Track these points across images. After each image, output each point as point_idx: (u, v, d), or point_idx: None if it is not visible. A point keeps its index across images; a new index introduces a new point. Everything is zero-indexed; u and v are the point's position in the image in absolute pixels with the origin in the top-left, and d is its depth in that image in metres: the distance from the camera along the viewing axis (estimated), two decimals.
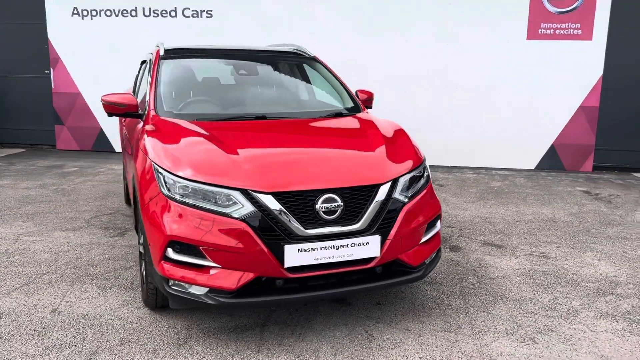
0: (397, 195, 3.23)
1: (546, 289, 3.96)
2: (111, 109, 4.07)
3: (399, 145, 3.61)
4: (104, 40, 9.28)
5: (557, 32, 8.38)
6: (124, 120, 4.84)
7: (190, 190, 3.02)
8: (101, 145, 9.79)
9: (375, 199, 3.15)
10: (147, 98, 4.09)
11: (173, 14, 9.06)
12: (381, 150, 3.46)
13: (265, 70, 4.81)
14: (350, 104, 4.42)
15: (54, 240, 4.89)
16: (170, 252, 3.01)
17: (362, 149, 3.54)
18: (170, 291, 3.04)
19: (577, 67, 8.39)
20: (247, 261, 2.93)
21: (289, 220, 2.95)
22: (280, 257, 2.94)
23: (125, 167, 5.26)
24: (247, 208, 2.93)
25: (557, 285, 4.04)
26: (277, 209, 2.94)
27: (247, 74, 4.74)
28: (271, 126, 3.86)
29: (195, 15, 9.01)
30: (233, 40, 8.80)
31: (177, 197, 3.03)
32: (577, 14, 8.29)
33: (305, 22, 8.76)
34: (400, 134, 3.82)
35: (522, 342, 3.21)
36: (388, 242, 3.14)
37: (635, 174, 8.57)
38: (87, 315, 3.48)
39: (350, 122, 4.05)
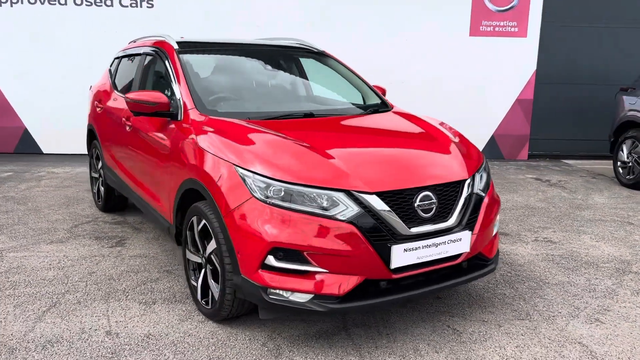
0: (477, 190, 3.29)
1: (574, 272, 4.23)
2: (140, 108, 3.72)
3: (461, 142, 3.67)
4: (27, 31, 8.40)
5: (497, 29, 8.90)
6: (129, 119, 4.43)
7: (288, 193, 2.85)
8: (26, 147, 8.88)
9: (462, 195, 3.19)
10: (178, 96, 3.77)
11: (109, 2, 8.41)
12: (454, 147, 3.50)
13: (286, 65, 4.64)
14: (376, 100, 4.40)
15: (47, 255, 4.39)
16: (272, 260, 2.83)
17: (437, 146, 3.54)
18: (270, 300, 2.86)
19: (514, 63, 8.97)
20: (354, 264, 2.84)
21: (394, 220, 2.89)
22: (386, 258, 2.88)
23: (112, 170, 4.84)
24: (353, 209, 2.83)
25: (580, 267, 4.33)
26: (383, 209, 2.87)
27: (272, 69, 4.55)
28: (331, 124, 3.74)
29: (134, 4, 8.44)
30: (177, 31, 8.33)
31: (276, 201, 2.85)
32: (513, 13, 8.85)
33: (251, 14, 8.51)
34: (454, 131, 3.87)
35: (590, 323, 3.41)
36: (474, 236, 3.19)
37: (565, 161, 9.35)
38: (150, 334, 3.17)
39: (403, 119, 4.02)
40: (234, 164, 3.02)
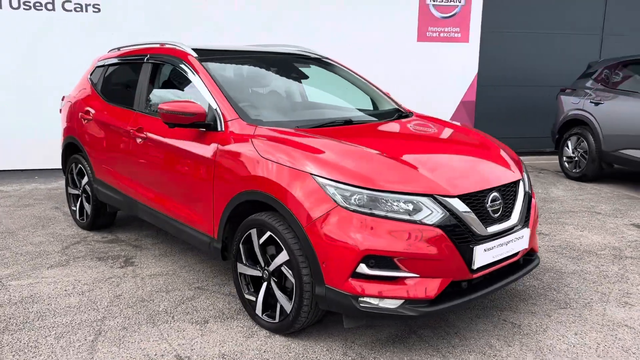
0: (527, 189, 3.48)
1: (581, 261, 4.55)
2: (176, 119, 3.55)
3: (499, 144, 3.85)
4: None
5: (442, 34, 9.31)
6: (140, 131, 4.19)
7: (372, 200, 2.87)
8: None
9: (520, 194, 3.36)
10: (214, 106, 3.64)
11: (50, 6, 7.85)
12: (500, 149, 3.66)
13: (303, 73, 4.60)
14: (392, 105, 4.49)
15: (55, 280, 4.06)
16: (364, 268, 2.83)
17: (487, 149, 3.68)
18: (361, 309, 2.86)
19: (458, 66, 9.43)
20: (442, 267, 2.91)
21: (475, 221, 3.00)
22: (468, 259, 2.97)
23: (109, 185, 4.58)
24: (439, 213, 2.90)
25: (583, 256, 4.67)
26: (464, 210, 2.97)
27: (293, 77, 4.50)
28: (379, 131, 3.78)
29: (78, 9, 7.94)
30: (128, 38, 7.95)
31: (361, 209, 2.86)
32: (456, 19, 9.31)
33: (203, 18, 8.28)
34: (487, 134, 4.05)
35: (622, 306, 3.71)
36: (529, 233, 3.37)
37: None
38: (224, 354, 3.06)
39: (440, 124, 4.11)
40: (312, 174, 2.98)
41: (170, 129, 3.81)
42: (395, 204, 2.87)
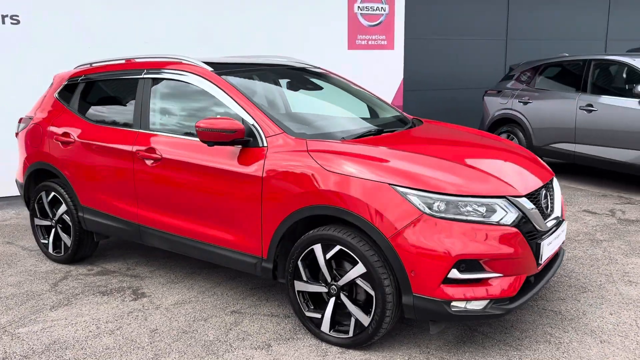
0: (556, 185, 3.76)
1: (582, 245, 4.95)
2: (217, 137, 3.39)
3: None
4: None
5: (370, 42, 9.61)
6: (152, 152, 3.91)
7: (454, 206, 2.96)
8: None
9: (557, 189, 3.63)
10: (251, 121, 3.52)
11: None
12: (526, 150, 3.91)
13: (312, 85, 4.55)
14: (396, 113, 4.60)
15: (71, 322, 3.67)
16: (456, 273, 2.91)
17: (519, 149, 3.89)
18: (453, 313, 2.94)
19: (386, 72, 9.79)
20: (519, 264, 3.06)
21: (539, 218, 3.19)
22: (537, 254, 3.15)
23: (103, 213, 4.26)
24: (513, 213, 3.05)
25: (574, 242, 5.09)
26: (531, 208, 3.15)
27: (307, 89, 4.43)
28: (415, 137, 3.86)
29: None
30: (52, 52, 7.32)
31: (445, 215, 2.94)
32: (382, 27, 9.66)
33: (131, 30, 7.83)
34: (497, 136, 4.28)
35: (630, 285, 4.11)
36: (564, 226, 3.65)
37: None
38: None
39: (457, 129, 4.27)
40: (391, 184, 2.99)
41: (197, 147, 3.67)
42: (474, 207, 2.97)
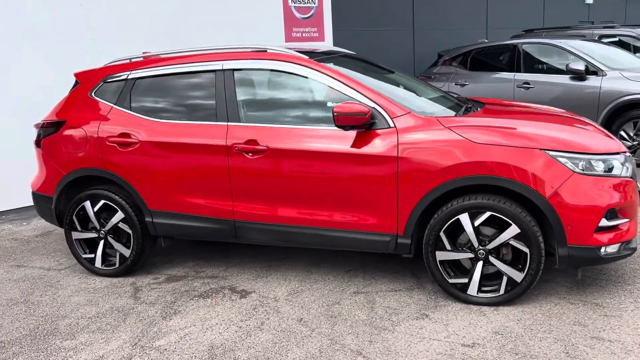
0: None
1: None
2: (352, 120, 3.49)
3: None
4: None
5: (304, 35, 9.80)
6: (254, 143, 3.80)
7: (591, 163, 3.38)
8: None
9: None
10: (371, 104, 3.63)
11: None
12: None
13: (384, 69, 4.68)
14: (442, 92, 4.92)
15: (207, 327, 3.51)
16: (605, 221, 3.35)
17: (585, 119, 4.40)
18: (604, 257, 3.38)
19: None
20: (636, 210, 3.59)
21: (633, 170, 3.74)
22: None
23: (187, 215, 4.10)
24: (628, 168, 3.56)
25: None
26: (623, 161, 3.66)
27: (383, 73, 4.56)
28: (509, 112, 4.24)
29: None
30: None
31: (589, 172, 3.36)
32: (313, 20, 9.90)
33: (79, 29, 7.20)
34: None
35: None
36: None
37: None
38: (497, 332, 3.24)
39: (518, 105, 4.79)
40: (542, 149, 3.34)
41: (307, 135, 3.76)
42: (605, 164, 3.42)
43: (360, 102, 3.63)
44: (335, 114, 3.46)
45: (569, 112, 4.51)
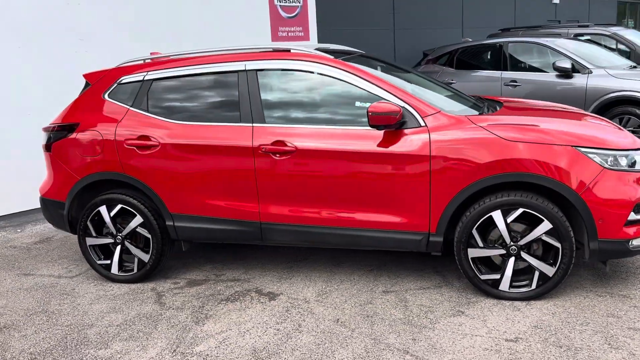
0: None
1: None
2: (386, 120, 3.51)
3: None
4: None
5: (290, 34, 9.77)
6: (281, 144, 3.78)
7: (617, 159, 3.48)
8: None
9: None
10: (401, 103, 3.66)
11: None
12: None
13: (400, 68, 4.70)
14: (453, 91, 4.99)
15: (247, 329, 3.47)
16: (633, 215, 3.46)
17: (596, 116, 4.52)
18: (632, 249, 3.49)
19: None
20: None
21: None
22: None
23: (208, 218, 4.05)
24: None
25: None
26: None
27: (401, 72, 4.58)
28: (530, 110, 4.33)
29: None
30: None
31: (617, 167, 3.46)
32: (298, 19, 9.87)
33: (68, 28, 6.99)
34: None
35: None
36: None
37: None
38: (536, 326, 3.31)
39: (535, 102, 4.87)
40: (574, 146, 3.43)
41: (336, 135, 3.76)
42: (627, 158, 3.52)
43: (390, 101, 3.64)
44: (370, 113, 3.47)
45: (580, 110, 4.63)
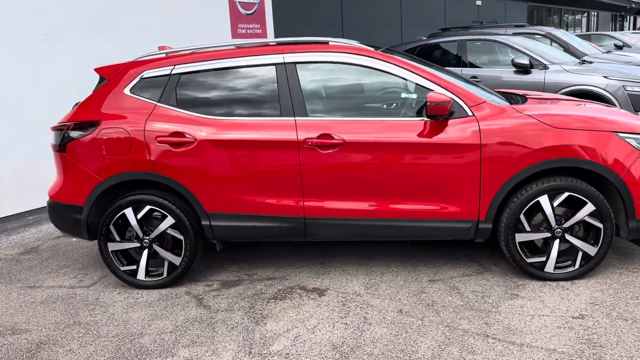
0: None
1: None
2: (441, 110, 3.59)
3: None
4: None
5: (249, 31, 9.62)
6: (326, 137, 3.73)
7: None
8: None
9: None
10: (449, 94, 3.74)
11: None
12: None
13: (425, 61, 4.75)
14: None
15: (313, 327, 3.41)
16: None
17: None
18: None
19: None
20: None
21: None
22: None
23: (250, 215, 3.92)
24: None
25: None
26: None
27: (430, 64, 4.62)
28: (555, 101, 4.50)
29: None
30: None
31: None
32: (256, 16, 9.75)
33: (37, 22, 6.49)
34: None
35: None
36: None
37: None
38: (593, 302, 3.50)
39: (553, 95, 5.01)
40: (614, 131, 3.66)
41: (383, 126, 3.78)
42: None
43: (441, 92, 3.70)
44: (429, 103, 3.51)
45: (582, 100, 4.92)
